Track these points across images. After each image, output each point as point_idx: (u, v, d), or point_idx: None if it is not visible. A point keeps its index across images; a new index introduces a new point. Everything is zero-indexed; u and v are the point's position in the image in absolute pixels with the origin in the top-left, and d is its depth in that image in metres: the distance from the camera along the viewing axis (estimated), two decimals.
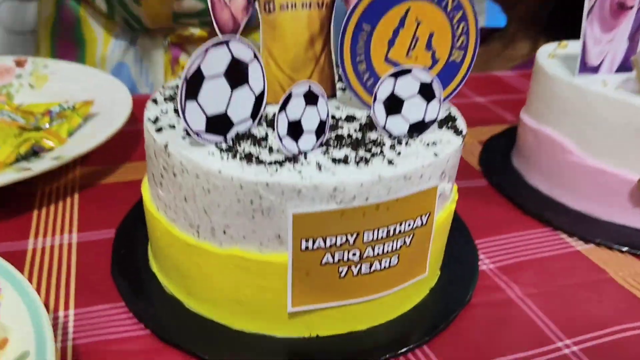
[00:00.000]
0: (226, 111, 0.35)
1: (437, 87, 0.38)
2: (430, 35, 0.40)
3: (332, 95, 0.43)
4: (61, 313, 0.40)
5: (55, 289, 0.42)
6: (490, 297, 0.43)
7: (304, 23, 0.40)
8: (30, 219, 0.49)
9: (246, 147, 0.35)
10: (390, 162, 0.34)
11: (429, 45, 0.41)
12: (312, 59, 0.41)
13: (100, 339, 0.38)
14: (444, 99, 0.43)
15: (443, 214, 0.40)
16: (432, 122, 0.38)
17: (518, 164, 0.60)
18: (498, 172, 0.59)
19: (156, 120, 0.38)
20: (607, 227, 0.51)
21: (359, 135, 0.38)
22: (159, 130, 0.37)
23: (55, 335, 0.37)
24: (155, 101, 0.41)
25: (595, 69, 0.52)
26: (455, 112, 0.43)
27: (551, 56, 0.57)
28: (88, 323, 0.39)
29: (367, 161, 0.34)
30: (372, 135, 0.38)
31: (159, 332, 0.38)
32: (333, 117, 0.40)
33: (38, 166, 0.49)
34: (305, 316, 0.37)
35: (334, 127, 0.39)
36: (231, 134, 0.36)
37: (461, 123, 0.41)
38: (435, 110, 0.38)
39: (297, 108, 0.34)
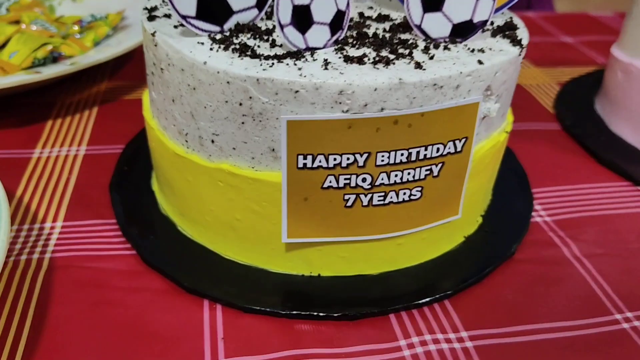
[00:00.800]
0: None
1: None
2: None
3: None
4: (48, 224, 0.36)
5: (49, 200, 0.38)
6: (540, 254, 0.35)
7: None
8: (42, 129, 0.46)
9: (245, 39, 0.29)
10: (418, 65, 0.27)
11: None
12: None
13: (81, 254, 0.34)
14: (506, 4, 0.34)
15: (487, 143, 0.32)
16: (483, 24, 0.30)
17: (601, 109, 0.50)
18: (575, 116, 0.50)
19: (153, 9, 0.33)
20: None
21: (388, 35, 0.30)
22: (152, 18, 0.32)
23: (34, 246, 0.34)
24: None
25: None
26: (517, 21, 0.34)
27: None
28: (73, 237, 0.35)
29: (388, 62, 0.27)
30: (405, 36, 0.30)
31: (142, 252, 0.33)
32: (362, 14, 0.33)
33: (49, 70, 0.45)
34: (304, 251, 0.31)
35: (360, 24, 0.32)
36: (229, 23, 0.30)
37: (523, 32, 0.32)
38: (487, 9, 0.30)
39: None
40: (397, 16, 0.33)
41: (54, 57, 0.49)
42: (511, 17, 0.35)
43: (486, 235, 0.35)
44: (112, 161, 0.42)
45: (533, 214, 0.38)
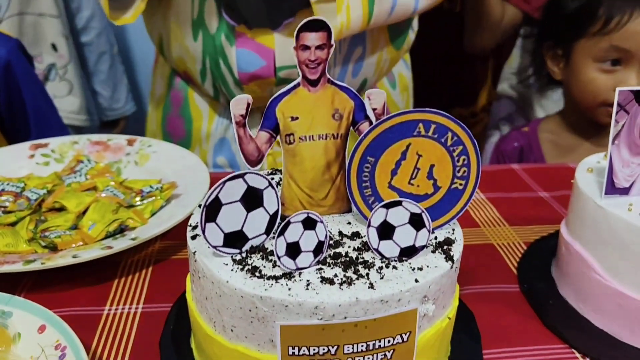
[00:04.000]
0: (242, 228, 0.43)
1: (426, 218, 0.42)
2: (431, 167, 0.45)
3: (347, 210, 0.49)
4: None
5: (114, 354, 0.51)
6: None
7: (320, 151, 0.47)
8: (110, 287, 0.60)
9: (256, 259, 0.42)
10: (371, 285, 0.40)
11: (430, 175, 0.45)
12: (329, 180, 0.47)
13: None
14: (449, 221, 0.47)
15: (431, 330, 0.43)
16: (422, 247, 0.43)
17: (554, 272, 0.61)
18: (532, 278, 0.61)
19: (195, 227, 0.47)
20: (629, 352, 0.51)
21: (355, 255, 0.43)
22: (194, 237, 0.46)
23: None
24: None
25: (625, 191, 0.53)
26: (457, 234, 0.47)
27: (590, 170, 0.58)
28: None
29: (350, 283, 0.40)
30: (367, 256, 0.43)
31: None
32: (340, 232, 0.46)
33: (118, 244, 0.60)
34: None
35: (338, 243, 0.45)
36: (246, 247, 0.43)
37: (457, 248, 0.45)
38: (424, 237, 0.43)
39: (295, 232, 0.41)
40: (365, 233, 0.46)
41: (122, 229, 0.65)
42: (453, 230, 0.47)
43: None
44: (163, 318, 0.55)
45: None
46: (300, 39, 0.44)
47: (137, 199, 0.70)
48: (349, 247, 0.44)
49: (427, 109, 0.43)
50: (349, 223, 0.48)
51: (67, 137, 0.86)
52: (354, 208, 0.49)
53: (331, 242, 0.45)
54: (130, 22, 0.83)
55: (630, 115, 0.51)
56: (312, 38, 0.44)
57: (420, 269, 0.42)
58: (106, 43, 1.67)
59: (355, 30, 0.82)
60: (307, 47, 0.44)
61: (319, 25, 0.43)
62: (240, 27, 0.86)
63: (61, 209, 0.69)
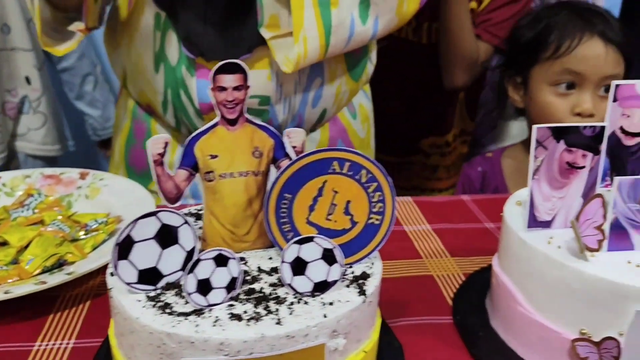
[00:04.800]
0: (156, 265, 0.43)
1: (338, 253, 0.43)
2: (348, 202, 0.46)
3: (271, 245, 0.50)
4: None
5: None
6: None
7: (241, 188, 0.47)
8: (45, 322, 0.60)
9: (170, 296, 0.43)
10: (278, 321, 0.40)
11: (347, 211, 0.47)
12: (251, 216, 0.48)
13: None
14: (367, 255, 0.48)
15: None
16: (334, 282, 0.44)
17: (488, 304, 0.61)
18: (466, 310, 0.61)
19: None
20: None
21: (269, 290, 0.44)
22: (112, 274, 0.46)
23: None
24: None
25: (547, 224, 0.54)
26: (375, 268, 0.47)
27: (518, 203, 0.60)
28: None
29: (258, 319, 0.40)
30: (280, 291, 0.44)
31: None
32: (259, 268, 0.47)
33: (53, 279, 0.60)
34: None
35: (254, 279, 0.45)
36: (161, 283, 0.44)
37: (372, 282, 0.46)
38: (337, 272, 0.44)
39: (206, 269, 0.41)
40: None
41: (60, 263, 0.65)
42: (373, 264, 0.48)
43: None
44: (93, 354, 0.55)
45: None
46: (216, 81, 0.45)
47: (82, 232, 0.70)
48: (265, 282, 0.45)
49: (341, 147, 0.45)
50: (270, 258, 0.49)
51: (20, 171, 0.87)
52: None
53: (248, 277, 0.45)
54: (59, 55, 0.84)
55: (548, 151, 0.53)
56: (229, 80, 0.45)
57: (331, 303, 0.43)
58: (89, 65, 1.69)
59: (313, 60, 0.84)
60: (224, 88, 0.45)
61: (235, 68, 0.45)
62: (199, 59, 0.88)
63: (4, 244, 0.69)
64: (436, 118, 1.51)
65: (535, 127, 0.51)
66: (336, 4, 0.81)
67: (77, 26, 0.85)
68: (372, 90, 1.14)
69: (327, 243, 0.43)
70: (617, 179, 0.49)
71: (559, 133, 0.52)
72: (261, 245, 0.50)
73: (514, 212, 0.58)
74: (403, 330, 0.59)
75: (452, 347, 0.57)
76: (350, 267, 0.47)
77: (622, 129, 0.53)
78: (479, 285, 0.65)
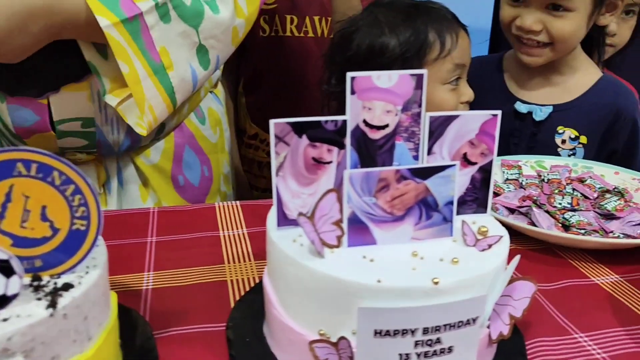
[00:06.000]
0: None
1: (15, 263, 0.40)
2: (44, 207, 0.43)
3: None
4: None
5: None
6: None
7: None
8: None
9: None
10: None
11: (44, 217, 0.43)
12: None
13: None
14: (77, 263, 0.44)
15: None
16: (15, 296, 0.40)
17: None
18: (242, 316, 0.59)
19: None
20: None
21: None
22: None
23: None
24: None
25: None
26: (89, 277, 0.44)
27: None
28: None
29: None
30: None
31: None
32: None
33: None
34: None
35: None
36: None
37: (72, 294, 0.42)
38: (16, 285, 0.40)
39: None
40: None
41: None
42: (87, 272, 0.45)
43: None
44: None
45: None
46: None
47: None
48: None
49: (24, 147, 0.41)
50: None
51: None
52: None
53: None
54: None
55: (291, 147, 0.51)
56: None
57: (6, 319, 0.39)
58: None
59: (165, 117, 0.83)
60: None
61: None
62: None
63: None
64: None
65: (272, 122, 0.49)
66: (171, 66, 0.80)
67: None
68: (258, 88, 1.11)
69: (3, 254, 0.40)
70: (347, 172, 0.48)
71: (299, 128, 0.50)
72: None
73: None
74: (171, 340, 0.56)
75: (216, 355, 0.54)
76: (59, 277, 0.44)
77: (365, 122, 0.52)
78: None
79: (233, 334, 0.56)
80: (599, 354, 0.55)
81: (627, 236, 0.75)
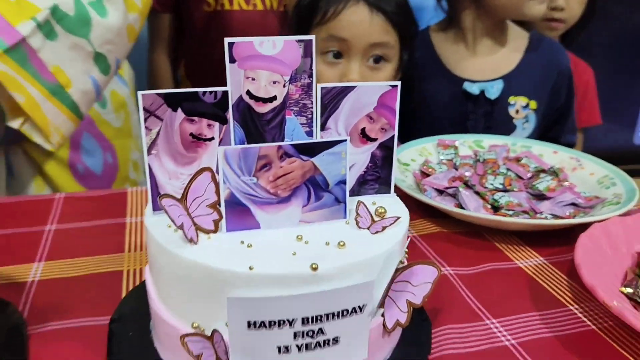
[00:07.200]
0: None
1: None
2: None
3: None
4: None
5: None
6: None
7: None
8: None
9: None
10: None
11: None
12: None
13: None
14: None
15: None
16: None
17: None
18: (133, 309, 0.54)
19: None
20: None
21: None
22: None
23: None
24: None
25: None
26: None
27: None
28: None
29: None
30: None
31: None
32: None
33: None
34: None
35: None
36: None
37: None
38: None
39: None
40: None
41: None
42: None
43: None
44: None
45: None
46: None
47: None
48: None
49: None
50: None
51: None
52: None
53: None
54: None
55: (164, 122, 0.46)
56: None
57: None
58: None
59: (74, 130, 0.80)
60: None
61: None
62: None
63: None
64: None
65: (140, 93, 0.44)
66: (69, 84, 0.75)
67: None
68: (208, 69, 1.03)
69: None
70: (221, 148, 0.43)
71: (173, 100, 0.45)
72: None
73: None
74: (47, 336, 0.51)
75: (94, 351, 0.49)
76: None
77: (250, 94, 0.47)
78: None
79: (117, 328, 0.52)
80: (508, 340, 0.52)
81: (556, 217, 0.72)
